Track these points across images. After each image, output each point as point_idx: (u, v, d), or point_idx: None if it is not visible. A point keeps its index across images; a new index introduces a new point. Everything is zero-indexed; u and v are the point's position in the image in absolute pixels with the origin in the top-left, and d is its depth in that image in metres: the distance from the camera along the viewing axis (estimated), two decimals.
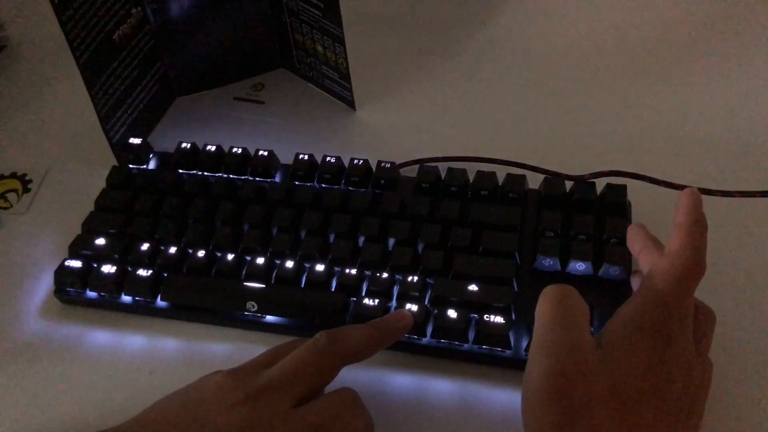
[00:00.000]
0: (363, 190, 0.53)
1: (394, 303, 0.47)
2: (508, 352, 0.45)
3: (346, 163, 0.54)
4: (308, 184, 0.54)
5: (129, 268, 0.50)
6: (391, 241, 0.50)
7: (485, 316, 0.45)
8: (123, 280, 0.50)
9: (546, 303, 0.38)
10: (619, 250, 0.47)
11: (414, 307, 0.46)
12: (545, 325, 0.37)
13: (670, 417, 0.35)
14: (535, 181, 0.53)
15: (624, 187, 0.50)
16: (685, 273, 0.37)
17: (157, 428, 0.38)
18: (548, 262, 0.48)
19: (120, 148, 0.58)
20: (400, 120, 0.62)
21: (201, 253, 0.50)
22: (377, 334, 0.42)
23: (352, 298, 0.47)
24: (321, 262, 0.49)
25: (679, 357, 0.36)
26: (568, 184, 0.51)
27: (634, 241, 0.44)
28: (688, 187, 0.40)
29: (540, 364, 0.36)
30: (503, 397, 0.44)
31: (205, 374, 0.41)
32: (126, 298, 0.50)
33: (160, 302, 0.50)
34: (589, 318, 0.38)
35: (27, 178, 0.61)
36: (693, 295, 0.38)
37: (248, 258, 0.50)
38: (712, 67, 0.63)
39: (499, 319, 0.45)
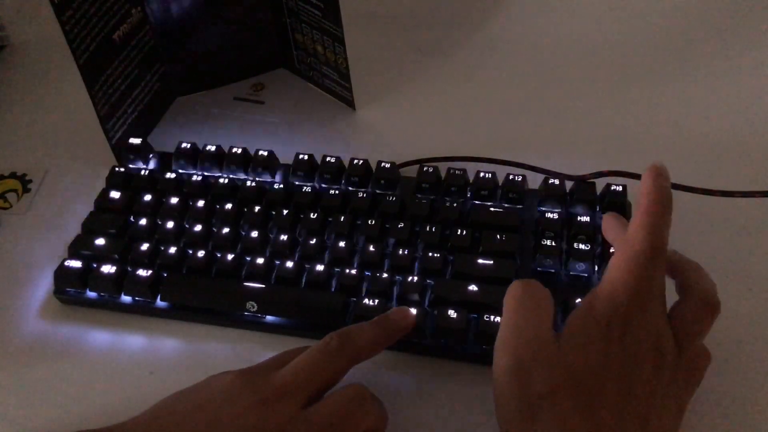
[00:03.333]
0: (363, 190, 0.53)
1: (394, 303, 0.47)
2: None
3: (346, 163, 0.54)
4: (308, 184, 0.54)
5: (129, 269, 0.50)
6: (391, 242, 0.50)
7: (485, 316, 0.45)
8: (123, 281, 0.49)
9: (507, 300, 0.39)
10: None
11: (414, 308, 0.46)
12: (505, 322, 0.38)
13: (639, 399, 0.35)
14: (535, 181, 0.53)
15: (624, 187, 0.50)
16: (638, 254, 0.37)
17: (168, 428, 0.38)
18: (548, 263, 0.48)
19: (120, 148, 0.58)
20: (400, 120, 0.62)
21: (201, 254, 0.50)
22: (383, 333, 0.42)
23: (351, 299, 0.47)
24: (321, 263, 0.49)
25: (644, 340, 0.36)
26: (568, 184, 0.51)
27: (608, 229, 0.45)
28: (653, 163, 0.40)
29: (501, 359, 0.37)
30: None
31: (214, 374, 0.41)
32: (126, 299, 0.50)
33: (159, 302, 0.50)
34: (552, 311, 0.38)
35: (27, 178, 0.61)
36: (656, 274, 0.37)
37: (248, 258, 0.50)
38: (712, 67, 0.63)
39: (499, 320, 0.44)
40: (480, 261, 0.48)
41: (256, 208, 0.52)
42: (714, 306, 0.39)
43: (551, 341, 0.37)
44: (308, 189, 0.53)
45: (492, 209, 0.50)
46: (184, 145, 0.56)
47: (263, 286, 0.48)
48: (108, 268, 0.50)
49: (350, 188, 0.54)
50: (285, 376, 0.39)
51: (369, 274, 0.48)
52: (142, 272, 0.49)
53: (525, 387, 0.35)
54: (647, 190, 0.39)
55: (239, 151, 0.55)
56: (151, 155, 0.58)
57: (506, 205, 0.51)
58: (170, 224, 0.52)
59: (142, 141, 0.57)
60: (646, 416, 0.35)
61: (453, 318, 0.45)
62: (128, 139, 0.57)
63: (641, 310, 0.37)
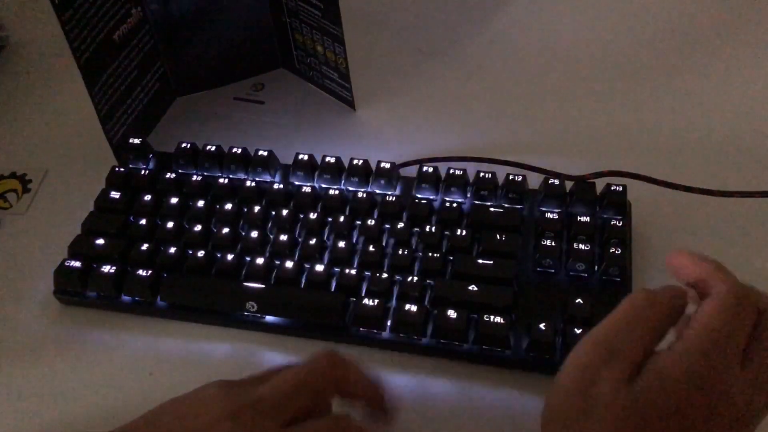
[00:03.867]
0: (363, 190, 0.53)
1: (394, 303, 0.47)
2: (508, 352, 0.45)
3: (346, 163, 0.54)
4: (308, 184, 0.54)
5: (129, 269, 0.50)
6: (391, 242, 0.50)
7: (485, 316, 0.45)
8: (122, 281, 0.49)
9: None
10: (618, 251, 0.47)
11: (414, 308, 0.46)
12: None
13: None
14: (535, 181, 0.53)
15: (624, 187, 0.50)
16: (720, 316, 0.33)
17: None
18: (548, 263, 0.48)
19: (120, 148, 0.58)
20: (400, 120, 0.62)
21: (200, 254, 0.50)
22: (377, 391, 0.39)
23: (351, 299, 0.47)
24: (320, 263, 0.49)
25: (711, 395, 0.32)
26: (568, 184, 0.51)
27: (681, 270, 0.37)
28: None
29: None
30: (503, 397, 0.44)
31: (205, 383, 0.40)
32: (125, 299, 0.50)
33: (159, 302, 0.50)
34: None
35: (27, 178, 0.61)
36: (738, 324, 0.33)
37: (248, 258, 0.50)
38: (712, 68, 0.63)
39: (499, 320, 0.45)
40: (480, 261, 0.48)
41: (256, 208, 0.52)
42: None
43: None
44: (308, 189, 0.53)
45: (492, 209, 0.50)
46: (184, 145, 0.56)
47: (263, 286, 0.48)
48: (108, 268, 0.50)
49: (350, 188, 0.54)
50: (264, 390, 0.37)
51: (369, 274, 0.48)
52: (142, 272, 0.49)
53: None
54: (693, 261, 0.36)
55: (239, 151, 0.55)
56: (151, 155, 0.58)
57: (506, 205, 0.51)
58: (170, 224, 0.52)
59: (142, 141, 0.57)
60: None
61: (453, 318, 0.45)
62: (128, 139, 0.57)
63: (724, 363, 0.33)
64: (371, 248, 0.49)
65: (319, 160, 0.55)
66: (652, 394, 0.32)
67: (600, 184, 0.51)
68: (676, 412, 0.31)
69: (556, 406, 0.34)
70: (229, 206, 0.52)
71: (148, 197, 0.54)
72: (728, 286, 0.34)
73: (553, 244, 0.48)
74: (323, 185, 0.54)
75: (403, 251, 0.49)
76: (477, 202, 0.52)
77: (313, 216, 0.51)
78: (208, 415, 0.37)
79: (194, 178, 0.55)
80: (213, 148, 0.56)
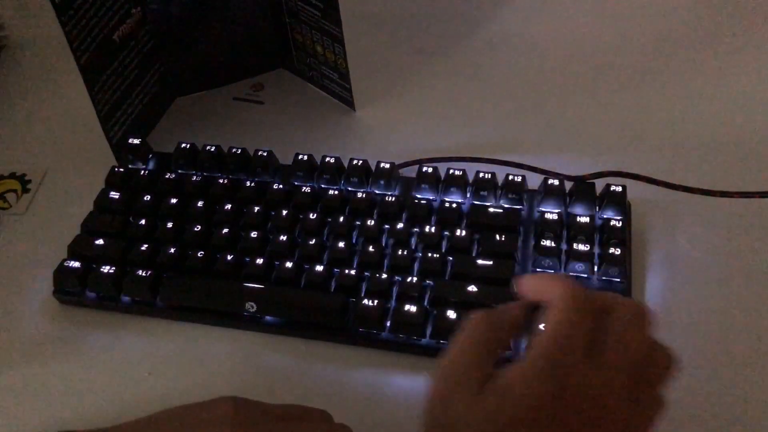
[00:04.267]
0: (362, 190, 0.53)
1: (393, 303, 0.47)
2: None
3: (346, 163, 0.54)
4: (307, 185, 0.54)
5: (128, 269, 0.50)
6: (390, 242, 0.50)
7: None
8: (122, 281, 0.49)
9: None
10: (618, 251, 0.47)
11: (413, 308, 0.46)
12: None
13: None
14: (535, 181, 0.53)
15: (624, 187, 0.50)
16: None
17: None
18: (547, 263, 0.48)
19: (119, 149, 0.58)
20: (399, 120, 0.62)
21: (200, 254, 0.50)
22: None
23: (351, 299, 0.47)
24: (320, 263, 0.49)
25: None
26: (568, 185, 0.51)
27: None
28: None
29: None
30: None
31: (222, 396, 0.39)
32: (125, 299, 0.50)
33: (159, 303, 0.50)
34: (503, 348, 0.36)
35: (26, 178, 0.61)
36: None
37: (247, 258, 0.50)
38: (712, 68, 0.63)
39: None
40: (479, 261, 0.48)
41: (256, 209, 0.52)
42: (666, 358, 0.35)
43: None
44: (307, 189, 0.53)
45: (491, 209, 0.50)
46: (183, 145, 0.56)
47: (263, 286, 0.48)
48: (107, 269, 0.50)
49: (349, 188, 0.54)
50: (277, 412, 0.38)
51: (368, 274, 0.48)
52: (142, 272, 0.49)
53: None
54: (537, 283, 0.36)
55: (239, 151, 0.55)
56: (150, 155, 0.58)
57: (506, 205, 0.51)
58: (170, 224, 0.52)
59: (141, 141, 0.57)
60: None
61: (452, 318, 0.45)
62: (128, 139, 0.57)
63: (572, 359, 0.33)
64: (371, 248, 0.49)
65: (318, 160, 0.55)
66: (504, 404, 0.32)
67: (600, 185, 0.51)
68: (531, 418, 0.32)
69: None
70: (228, 206, 0.52)
71: (147, 197, 0.54)
72: (563, 292, 0.34)
73: (552, 244, 0.48)
74: (323, 185, 0.54)
75: (402, 251, 0.49)
76: (476, 202, 0.52)
77: (312, 216, 0.51)
78: (214, 428, 0.37)
79: (194, 178, 0.55)
80: (212, 149, 0.56)
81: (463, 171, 0.52)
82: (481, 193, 0.51)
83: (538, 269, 0.48)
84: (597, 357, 0.33)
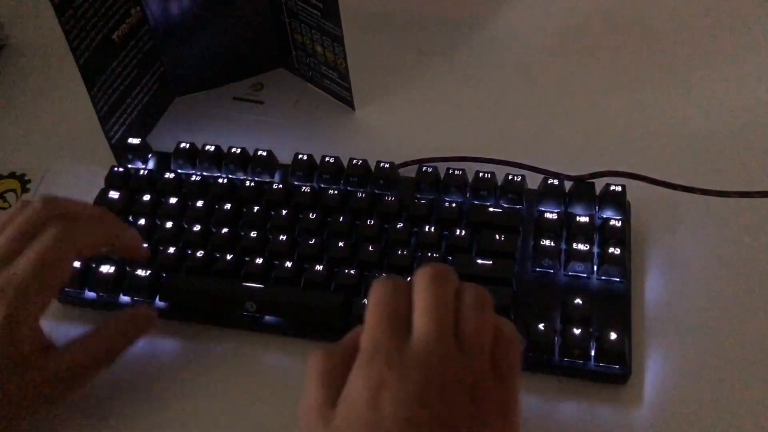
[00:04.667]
0: (362, 190, 0.53)
1: None
2: None
3: (345, 163, 0.54)
4: (307, 185, 0.54)
5: (128, 269, 0.50)
6: (390, 242, 0.50)
7: None
8: (122, 281, 0.49)
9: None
10: (617, 251, 0.47)
11: None
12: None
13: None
14: (534, 181, 0.53)
15: (623, 187, 0.50)
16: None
17: None
18: (547, 263, 0.48)
19: (119, 148, 0.58)
20: (399, 120, 0.62)
21: (200, 254, 0.50)
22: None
23: (351, 299, 0.47)
24: (320, 263, 0.49)
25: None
26: (568, 184, 0.51)
27: None
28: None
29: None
30: None
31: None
32: (125, 299, 0.50)
33: (158, 302, 0.50)
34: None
35: (26, 178, 0.61)
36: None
37: (247, 258, 0.50)
38: (712, 67, 0.63)
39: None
40: (479, 261, 0.48)
41: (255, 209, 0.52)
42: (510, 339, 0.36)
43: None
44: (307, 189, 0.53)
45: (491, 209, 0.50)
46: (183, 145, 0.56)
47: (262, 286, 0.48)
48: (107, 268, 0.50)
49: (349, 188, 0.54)
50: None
51: (368, 274, 0.48)
52: (141, 272, 0.49)
53: None
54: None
55: (238, 151, 0.55)
56: (150, 155, 0.58)
57: (505, 205, 0.51)
58: (169, 224, 0.52)
59: (141, 141, 0.57)
60: None
61: None
62: (127, 139, 0.57)
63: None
64: (370, 248, 0.49)
65: (318, 160, 0.55)
66: (347, 414, 0.33)
67: (599, 184, 0.51)
68: (372, 422, 0.32)
69: None
70: (228, 206, 0.52)
71: (147, 197, 0.54)
72: (374, 291, 0.36)
73: (552, 244, 0.48)
74: (322, 185, 0.54)
75: (402, 251, 0.49)
76: (476, 202, 0.52)
77: (312, 216, 0.51)
78: None
79: (193, 178, 0.55)
80: (212, 148, 0.56)
81: (463, 171, 0.52)
82: (481, 192, 0.51)
83: (538, 269, 0.48)
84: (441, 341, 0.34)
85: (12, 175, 0.61)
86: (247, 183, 0.54)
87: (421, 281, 0.36)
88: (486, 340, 0.35)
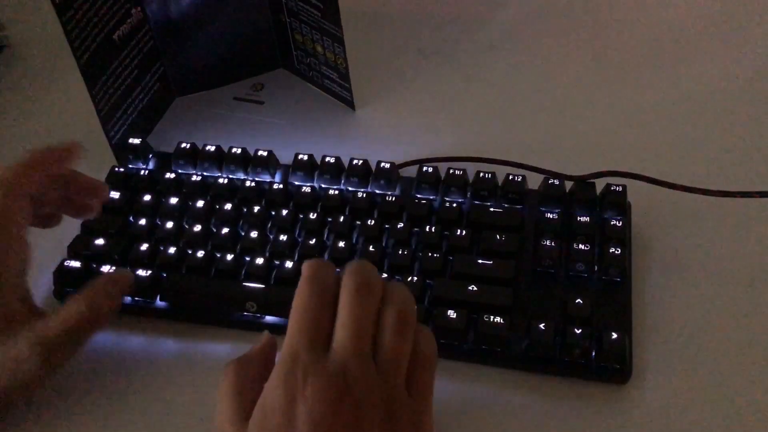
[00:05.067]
0: (362, 190, 0.53)
1: None
2: (507, 352, 0.45)
3: (346, 163, 0.54)
4: (307, 185, 0.54)
5: (128, 269, 0.50)
6: (391, 242, 0.50)
7: (485, 316, 0.45)
8: None
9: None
10: (618, 251, 0.47)
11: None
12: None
13: None
14: (535, 181, 0.53)
15: (624, 187, 0.50)
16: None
17: None
18: (548, 263, 0.48)
19: (120, 148, 0.58)
20: (399, 120, 0.62)
21: (200, 254, 0.50)
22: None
23: None
24: None
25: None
26: (568, 185, 0.51)
27: None
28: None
29: None
30: (503, 397, 0.44)
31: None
32: (125, 299, 0.50)
33: (159, 302, 0.50)
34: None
35: None
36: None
37: (248, 258, 0.50)
38: (711, 67, 0.63)
39: (498, 320, 0.45)
40: (480, 261, 0.48)
41: (256, 209, 0.52)
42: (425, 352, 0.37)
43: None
44: (308, 189, 0.53)
45: (492, 209, 0.50)
46: (183, 145, 0.56)
47: (263, 286, 0.48)
48: (108, 268, 0.50)
49: (350, 188, 0.54)
50: None
51: None
52: (142, 272, 0.49)
53: None
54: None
55: (239, 151, 0.55)
56: (150, 155, 0.58)
57: (506, 205, 0.51)
58: (170, 224, 0.52)
59: (141, 141, 0.57)
60: None
61: (453, 318, 0.45)
62: (128, 139, 0.57)
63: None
64: (371, 248, 0.49)
65: (318, 160, 0.55)
66: (262, 422, 0.34)
67: (600, 184, 0.51)
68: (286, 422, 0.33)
69: None
70: (228, 206, 0.52)
71: (147, 197, 0.54)
72: (298, 294, 0.37)
73: (552, 244, 0.48)
74: (323, 185, 0.54)
75: (402, 251, 0.49)
76: (477, 202, 0.52)
77: (312, 216, 0.51)
78: None
79: (194, 178, 0.55)
80: (213, 148, 0.56)
81: (464, 171, 0.52)
82: (482, 192, 0.51)
83: (538, 269, 0.48)
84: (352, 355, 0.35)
85: None
86: (248, 183, 0.54)
87: (345, 290, 0.36)
88: (403, 360, 0.36)
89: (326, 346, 0.35)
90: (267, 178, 0.55)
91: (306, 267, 0.37)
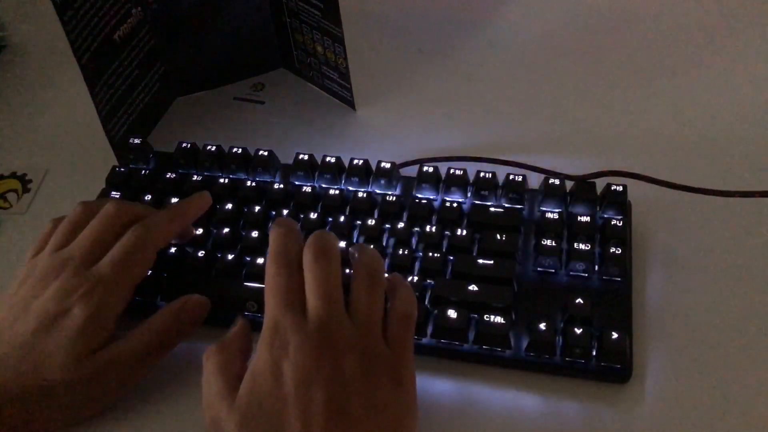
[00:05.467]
0: (363, 190, 0.53)
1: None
2: (508, 352, 0.45)
3: (346, 163, 0.54)
4: (308, 184, 0.54)
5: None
6: (391, 242, 0.50)
7: (485, 316, 0.45)
8: None
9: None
10: (618, 251, 0.47)
11: None
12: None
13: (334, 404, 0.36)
14: (535, 181, 0.53)
15: (624, 186, 0.50)
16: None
17: None
18: (548, 263, 0.48)
19: (120, 148, 0.58)
20: (400, 120, 0.62)
21: (200, 254, 0.50)
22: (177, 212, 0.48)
23: None
24: None
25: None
26: (569, 184, 0.51)
27: None
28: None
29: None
30: (503, 397, 0.44)
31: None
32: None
33: (159, 302, 0.49)
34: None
35: (27, 178, 0.61)
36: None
37: (248, 258, 0.50)
38: (712, 67, 0.63)
39: (499, 320, 0.45)
40: (480, 261, 0.48)
41: (256, 208, 0.52)
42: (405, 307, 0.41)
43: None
44: (308, 189, 0.53)
45: (492, 209, 0.50)
46: (184, 145, 0.56)
47: (263, 286, 0.48)
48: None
49: (350, 188, 0.54)
50: (73, 249, 0.45)
51: None
52: None
53: None
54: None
55: (239, 151, 0.55)
56: (151, 155, 0.58)
57: (506, 205, 0.51)
58: None
59: (142, 141, 0.57)
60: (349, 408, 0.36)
61: (453, 318, 0.45)
62: (129, 138, 0.57)
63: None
64: (371, 248, 0.49)
65: (319, 160, 0.55)
66: (252, 388, 0.37)
67: (600, 184, 0.51)
68: (274, 387, 0.36)
69: None
70: (229, 206, 0.52)
71: (148, 197, 0.54)
72: (267, 271, 0.40)
73: (553, 244, 0.48)
74: (323, 185, 0.54)
75: (403, 251, 0.49)
76: (477, 202, 0.52)
77: (313, 216, 0.51)
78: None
79: (194, 178, 0.55)
80: (213, 148, 0.56)
81: (464, 171, 0.52)
82: (482, 192, 0.51)
83: (539, 269, 0.48)
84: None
85: (13, 175, 0.61)
86: (248, 183, 0.54)
87: (306, 262, 0.40)
88: (376, 315, 0.39)
89: (303, 311, 0.38)
90: (267, 178, 0.55)
91: (271, 240, 0.41)
